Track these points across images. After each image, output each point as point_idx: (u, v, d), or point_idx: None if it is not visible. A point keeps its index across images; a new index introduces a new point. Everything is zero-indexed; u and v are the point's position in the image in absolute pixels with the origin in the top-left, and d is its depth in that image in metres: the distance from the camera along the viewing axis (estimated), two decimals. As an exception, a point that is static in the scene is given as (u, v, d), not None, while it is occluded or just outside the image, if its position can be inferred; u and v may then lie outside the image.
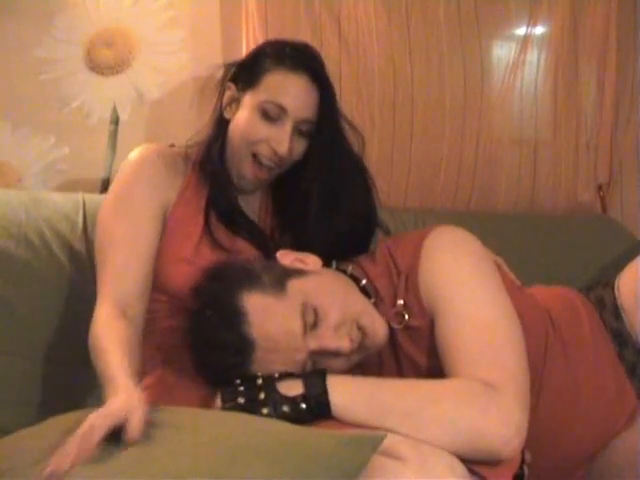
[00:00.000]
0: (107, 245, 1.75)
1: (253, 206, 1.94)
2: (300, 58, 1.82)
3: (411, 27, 2.57)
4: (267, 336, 1.52)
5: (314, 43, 2.37)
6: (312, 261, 1.70)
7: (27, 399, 1.91)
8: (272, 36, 2.39)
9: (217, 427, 1.30)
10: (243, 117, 1.82)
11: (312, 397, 1.46)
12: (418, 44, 2.58)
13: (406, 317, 1.66)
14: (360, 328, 1.59)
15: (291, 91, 1.79)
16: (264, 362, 1.53)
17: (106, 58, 2.42)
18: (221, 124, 1.88)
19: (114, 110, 2.42)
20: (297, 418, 1.43)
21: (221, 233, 1.82)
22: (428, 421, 1.42)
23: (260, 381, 1.48)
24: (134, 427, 1.27)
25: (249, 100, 1.81)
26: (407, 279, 1.67)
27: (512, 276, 1.96)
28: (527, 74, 2.71)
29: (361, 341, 1.59)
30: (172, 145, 2.37)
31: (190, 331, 1.62)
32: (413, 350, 1.67)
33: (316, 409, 1.45)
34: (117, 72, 2.43)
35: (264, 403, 1.44)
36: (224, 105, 1.88)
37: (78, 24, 2.41)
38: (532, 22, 2.67)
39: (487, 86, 2.67)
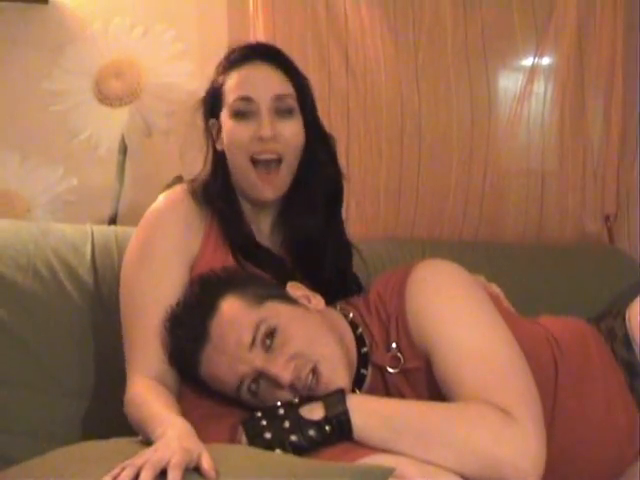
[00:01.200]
0: (132, 314, 1.72)
1: (275, 242, 1.91)
2: (245, 51, 1.83)
3: (419, 58, 2.58)
4: (221, 335, 1.56)
5: (322, 75, 2.41)
6: (316, 301, 1.69)
7: (33, 430, 1.90)
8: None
9: (224, 462, 1.30)
10: (225, 131, 1.81)
11: (334, 418, 1.46)
12: (425, 75, 2.59)
13: (402, 360, 1.64)
14: (315, 373, 1.55)
15: (248, 79, 1.78)
16: (212, 362, 1.57)
17: (115, 89, 2.43)
18: (218, 159, 1.86)
19: (122, 141, 2.43)
20: (323, 441, 1.46)
21: (250, 269, 1.80)
22: (441, 445, 1.42)
23: (282, 411, 1.48)
24: (211, 466, 1.27)
25: (224, 116, 1.81)
26: (397, 321, 1.65)
27: (507, 304, 1.95)
28: (534, 105, 2.72)
29: (312, 387, 1.55)
30: (179, 177, 2.39)
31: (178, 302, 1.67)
32: (410, 394, 1.65)
33: (339, 430, 1.46)
34: (126, 103, 2.44)
35: (291, 431, 1.45)
36: (214, 140, 1.86)
37: (87, 56, 2.43)
38: (539, 53, 2.69)
39: (494, 117, 2.67)
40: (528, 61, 2.70)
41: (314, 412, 1.48)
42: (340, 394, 1.51)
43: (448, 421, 1.45)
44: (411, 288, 1.65)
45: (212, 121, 1.86)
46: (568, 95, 2.72)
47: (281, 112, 1.78)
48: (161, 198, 1.85)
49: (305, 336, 1.58)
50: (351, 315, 1.71)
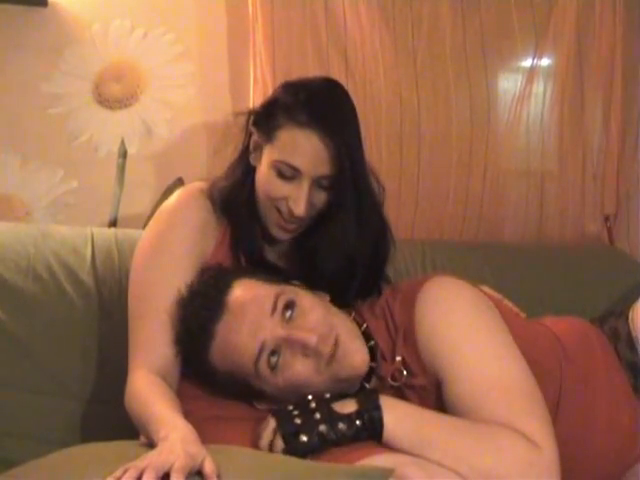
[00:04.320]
0: (140, 307, 1.72)
1: (281, 249, 1.91)
2: (312, 109, 1.73)
3: (418, 60, 2.58)
4: (241, 304, 1.59)
5: (321, 77, 2.40)
6: (322, 295, 1.71)
7: (33, 432, 1.91)
8: (279, 70, 2.42)
9: (226, 465, 1.30)
10: (262, 172, 1.78)
11: (366, 412, 1.47)
12: (425, 77, 2.59)
13: (404, 373, 1.64)
14: (336, 340, 1.57)
15: (303, 151, 1.71)
16: (231, 330, 1.58)
17: (114, 92, 2.43)
18: (248, 170, 1.83)
19: (122, 144, 2.43)
20: (353, 436, 1.46)
21: None
22: (468, 467, 1.42)
23: (313, 404, 1.49)
24: (213, 470, 1.27)
25: (267, 154, 1.76)
26: (404, 335, 1.65)
27: (516, 309, 1.95)
28: (533, 106, 2.71)
29: (334, 355, 1.56)
30: (180, 179, 2.39)
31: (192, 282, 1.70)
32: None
33: (370, 425, 1.46)
34: (125, 106, 2.44)
35: (321, 421, 1.46)
36: (250, 151, 1.83)
37: (86, 58, 2.43)
38: (538, 54, 2.68)
39: (493, 118, 2.67)
40: (527, 62, 2.70)
41: (346, 406, 1.49)
42: (374, 392, 1.53)
43: (479, 444, 1.45)
44: (421, 305, 1.64)
45: (253, 130, 1.82)
46: (567, 96, 2.72)
47: (320, 186, 1.76)
48: (176, 196, 1.85)
49: (322, 309, 1.62)
50: (365, 326, 1.70)
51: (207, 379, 1.68)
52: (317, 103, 1.75)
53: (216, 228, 1.83)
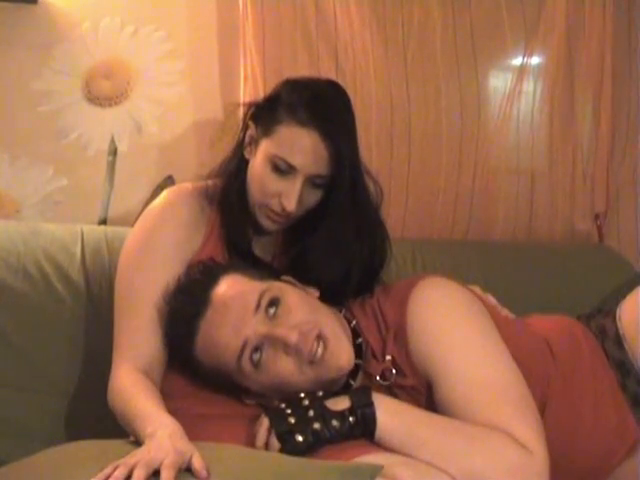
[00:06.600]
0: (126, 304, 1.72)
1: (270, 245, 1.91)
2: (315, 109, 1.74)
3: (408, 58, 2.58)
4: (224, 301, 1.59)
5: (311, 74, 2.40)
6: (312, 291, 1.71)
7: (24, 431, 1.90)
8: (270, 68, 2.42)
9: (215, 462, 1.30)
10: (257, 165, 1.78)
11: (359, 409, 1.48)
12: (415, 75, 2.59)
13: (394, 372, 1.64)
14: (322, 339, 1.57)
15: (301, 149, 1.72)
16: (213, 326, 1.58)
17: (104, 89, 2.42)
18: (241, 163, 1.84)
19: (112, 141, 2.42)
20: (347, 433, 1.47)
21: None
22: (457, 468, 1.43)
23: (306, 402, 1.50)
24: (203, 466, 1.27)
25: (263, 148, 1.77)
26: (395, 335, 1.65)
27: (506, 311, 1.95)
28: (523, 104, 2.72)
29: (318, 354, 1.56)
30: (170, 177, 2.39)
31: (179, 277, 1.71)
32: None
33: (362, 422, 1.47)
34: (115, 103, 2.43)
35: (314, 419, 1.46)
36: (245, 144, 1.84)
37: (76, 56, 2.41)
38: (528, 52, 2.69)
39: (484, 116, 2.68)
40: (517, 60, 2.71)
41: (339, 403, 1.50)
42: (367, 389, 1.53)
43: (470, 446, 1.46)
44: (413, 306, 1.65)
45: (250, 123, 1.83)
46: (557, 94, 2.73)
47: (313, 184, 1.77)
48: (163, 196, 1.86)
49: (308, 307, 1.61)
50: (354, 323, 1.71)
51: (193, 373, 1.68)
52: (320, 104, 1.76)
53: (204, 225, 1.83)
